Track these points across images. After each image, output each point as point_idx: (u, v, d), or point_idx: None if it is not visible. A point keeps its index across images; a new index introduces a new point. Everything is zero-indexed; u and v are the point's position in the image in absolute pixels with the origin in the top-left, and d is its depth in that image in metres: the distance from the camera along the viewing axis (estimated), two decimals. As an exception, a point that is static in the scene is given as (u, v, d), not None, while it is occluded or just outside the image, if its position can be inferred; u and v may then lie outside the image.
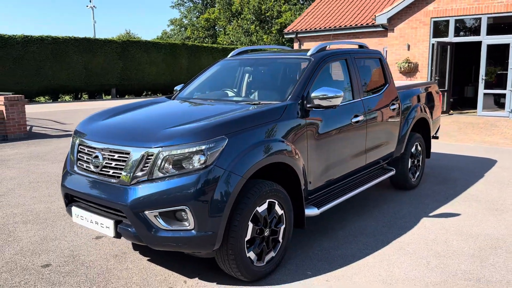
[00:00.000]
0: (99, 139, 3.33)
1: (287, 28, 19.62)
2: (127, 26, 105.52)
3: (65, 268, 3.56)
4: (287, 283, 3.31)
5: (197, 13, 49.42)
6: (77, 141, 3.52)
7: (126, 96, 26.06)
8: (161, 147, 2.97)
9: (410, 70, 14.68)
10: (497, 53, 17.02)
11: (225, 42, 41.03)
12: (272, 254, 3.41)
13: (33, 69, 20.70)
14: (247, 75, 4.73)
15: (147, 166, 2.98)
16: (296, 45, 19.32)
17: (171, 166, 2.96)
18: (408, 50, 14.77)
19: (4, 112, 9.93)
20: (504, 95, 13.57)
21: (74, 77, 22.40)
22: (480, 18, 13.52)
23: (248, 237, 3.17)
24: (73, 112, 16.07)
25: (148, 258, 3.75)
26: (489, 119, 12.91)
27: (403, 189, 5.70)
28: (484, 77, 13.61)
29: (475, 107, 14.23)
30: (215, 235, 2.95)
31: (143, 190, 2.95)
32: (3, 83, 19.44)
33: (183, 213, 2.93)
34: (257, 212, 3.21)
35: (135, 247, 3.98)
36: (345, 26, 17.31)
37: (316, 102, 3.72)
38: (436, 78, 13.93)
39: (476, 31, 14.05)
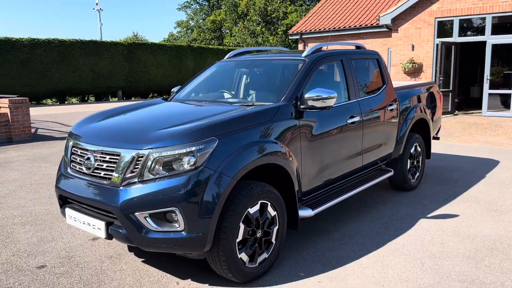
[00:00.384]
0: (91, 141, 3.35)
1: (292, 29, 19.61)
2: (134, 29, 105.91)
3: (60, 269, 3.59)
4: (279, 284, 3.30)
5: (204, 15, 49.59)
6: (71, 143, 3.55)
7: (133, 98, 26.20)
8: (151, 148, 2.99)
9: (415, 70, 14.61)
10: (505, 53, 16.90)
11: (231, 44, 41.13)
12: (265, 255, 3.41)
13: (40, 72, 20.90)
14: (242, 76, 4.74)
15: (138, 167, 3.00)
16: (300, 46, 19.31)
17: (161, 168, 2.98)
18: (413, 51, 14.70)
19: (9, 114, 10.03)
20: (510, 95, 13.44)
21: (81, 80, 22.58)
22: (484, 18, 13.42)
23: (239, 238, 3.17)
24: (79, 114, 16.17)
25: (142, 259, 3.77)
26: (494, 119, 12.80)
27: (402, 190, 5.67)
28: (489, 77, 13.50)
29: (480, 107, 14.12)
30: (206, 236, 2.96)
31: (133, 192, 2.96)
32: (10, 86, 19.65)
33: (173, 214, 2.94)
34: (249, 213, 3.21)
35: (130, 248, 4.00)
36: (350, 27, 17.26)
37: (310, 103, 3.72)
38: (441, 78, 13.85)
39: (481, 30, 13.94)
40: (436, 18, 14.13)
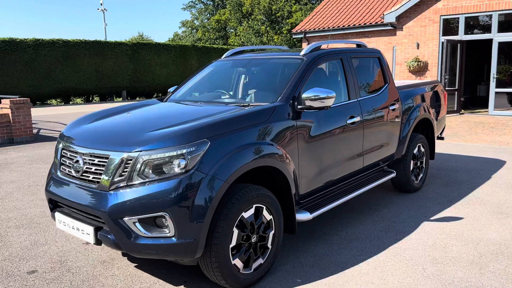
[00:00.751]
0: (80, 143, 3.25)
1: (296, 28, 19.47)
2: (139, 29, 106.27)
3: (51, 275, 3.50)
4: (274, 291, 3.19)
5: (208, 15, 49.54)
6: (61, 145, 3.45)
7: (137, 98, 26.18)
8: (141, 151, 2.89)
9: (420, 69, 14.42)
10: None
11: (235, 43, 41.04)
12: (260, 261, 3.30)
13: (45, 72, 20.92)
14: (240, 76, 4.63)
15: (126, 171, 2.89)
16: (304, 45, 19.16)
17: (151, 171, 2.88)
18: (418, 49, 14.51)
19: (10, 115, 10.00)
20: (517, 94, 13.23)
21: (85, 80, 22.58)
22: (491, 15, 13.21)
23: (233, 243, 3.06)
24: (82, 114, 16.14)
25: (135, 264, 3.68)
26: (501, 118, 12.58)
27: (405, 192, 5.53)
28: (495, 76, 13.28)
29: (487, 106, 13.91)
30: (197, 242, 2.85)
31: (122, 196, 2.86)
32: (15, 86, 19.69)
33: (163, 219, 2.84)
34: (243, 217, 3.10)
35: (124, 253, 3.90)
36: (354, 25, 17.09)
37: (308, 103, 3.60)
38: (446, 77, 13.65)
39: (487, 28, 13.72)
40: (441, 15, 13.94)
